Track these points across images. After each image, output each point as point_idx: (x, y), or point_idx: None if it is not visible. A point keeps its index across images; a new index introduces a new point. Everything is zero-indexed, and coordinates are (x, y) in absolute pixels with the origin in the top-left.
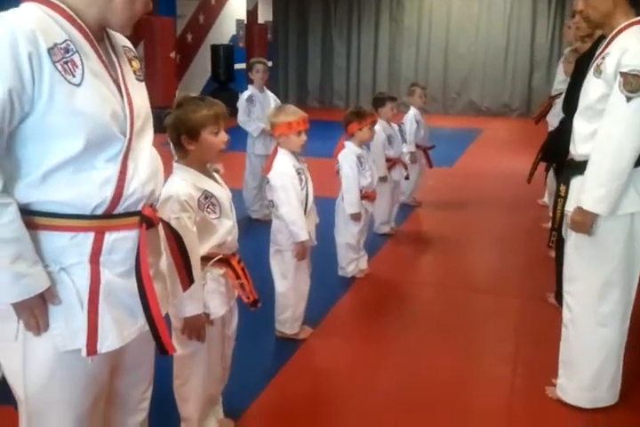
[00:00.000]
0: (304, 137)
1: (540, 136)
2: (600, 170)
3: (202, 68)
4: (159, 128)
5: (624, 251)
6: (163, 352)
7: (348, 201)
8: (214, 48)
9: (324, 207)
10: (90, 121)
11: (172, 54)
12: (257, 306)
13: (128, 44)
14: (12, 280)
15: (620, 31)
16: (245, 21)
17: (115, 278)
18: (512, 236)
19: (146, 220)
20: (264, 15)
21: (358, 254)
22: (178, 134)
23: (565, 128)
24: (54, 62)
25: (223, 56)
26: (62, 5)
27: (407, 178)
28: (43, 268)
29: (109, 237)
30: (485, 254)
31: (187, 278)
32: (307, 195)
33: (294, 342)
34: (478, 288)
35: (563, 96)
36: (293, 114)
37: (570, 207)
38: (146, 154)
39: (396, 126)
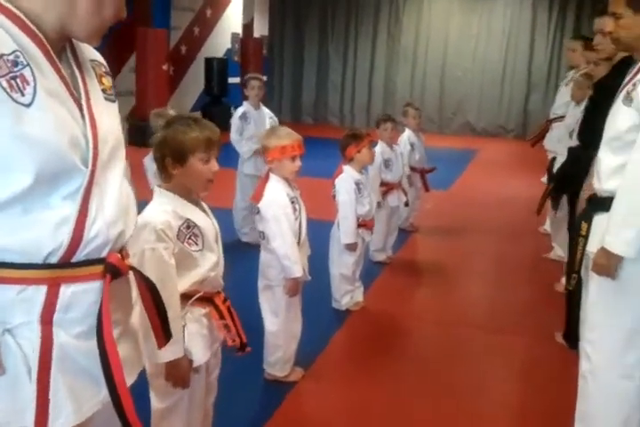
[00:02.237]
0: (298, 163)
1: (536, 159)
2: (629, 209)
3: (195, 81)
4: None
5: None
6: None
7: (344, 230)
8: (208, 61)
9: (317, 231)
10: (41, 149)
11: (165, 66)
12: (244, 351)
13: (99, 57)
14: None
15: None
16: (241, 35)
17: (71, 341)
18: (514, 267)
19: (111, 269)
20: (260, 29)
21: (353, 286)
22: (163, 155)
23: (580, 158)
24: None
25: (217, 70)
26: (12, 8)
27: (407, 205)
28: None
29: (66, 291)
30: (486, 288)
31: (162, 336)
32: (300, 226)
33: (284, 385)
34: (480, 325)
35: (566, 121)
36: (287, 137)
37: (592, 248)
38: (114, 189)
39: (406, 150)
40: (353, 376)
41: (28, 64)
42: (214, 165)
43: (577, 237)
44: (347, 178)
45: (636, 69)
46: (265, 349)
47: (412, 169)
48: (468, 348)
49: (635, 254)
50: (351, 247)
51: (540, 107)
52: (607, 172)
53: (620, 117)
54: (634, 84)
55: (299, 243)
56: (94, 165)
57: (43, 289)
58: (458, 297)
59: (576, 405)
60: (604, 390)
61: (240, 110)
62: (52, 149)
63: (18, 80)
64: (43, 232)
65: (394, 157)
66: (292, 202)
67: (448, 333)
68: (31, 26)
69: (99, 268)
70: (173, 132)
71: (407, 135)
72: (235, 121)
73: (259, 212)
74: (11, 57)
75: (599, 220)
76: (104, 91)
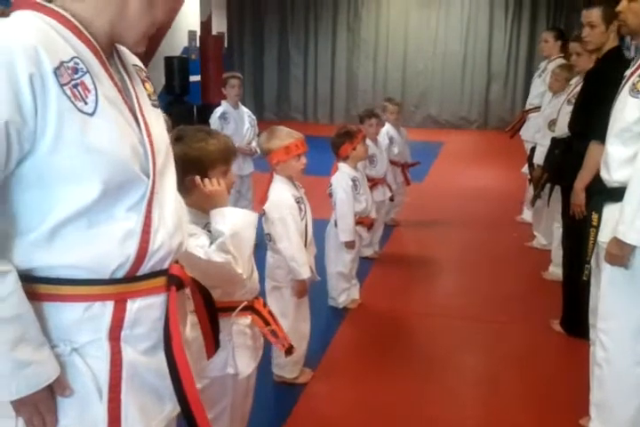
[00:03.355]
0: (304, 160)
1: (502, 149)
2: None
3: (155, 80)
4: None
5: None
6: None
7: (342, 228)
8: (168, 60)
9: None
10: (108, 160)
11: None
12: (292, 353)
13: (139, 62)
14: (13, 371)
15: None
16: (199, 33)
17: (138, 357)
18: (499, 257)
19: (175, 280)
20: (218, 26)
21: (350, 283)
22: (184, 173)
23: (571, 148)
24: (62, 85)
25: (177, 68)
26: (66, 14)
27: (392, 199)
28: (50, 351)
29: (132, 306)
30: (476, 278)
31: (212, 345)
32: (306, 226)
33: (294, 387)
34: (477, 316)
35: (545, 112)
36: (289, 136)
37: (604, 238)
38: (170, 198)
39: (384, 144)
40: (361, 374)
41: (88, 71)
42: (231, 176)
43: (589, 227)
44: (343, 176)
45: None
46: (273, 351)
47: (392, 163)
48: (469, 339)
49: None
50: (350, 245)
51: (500, 97)
52: (617, 163)
53: (628, 109)
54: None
55: (305, 243)
56: (154, 174)
57: (109, 305)
58: (450, 289)
59: (591, 392)
60: (619, 378)
61: (219, 110)
62: (117, 159)
63: (79, 88)
64: (109, 246)
65: (378, 152)
66: (298, 202)
67: (447, 325)
68: (85, 32)
69: (162, 280)
70: (190, 148)
71: (386, 129)
72: (214, 121)
73: (264, 213)
74: (70, 64)
75: (610, 210)
76: (149, 96)
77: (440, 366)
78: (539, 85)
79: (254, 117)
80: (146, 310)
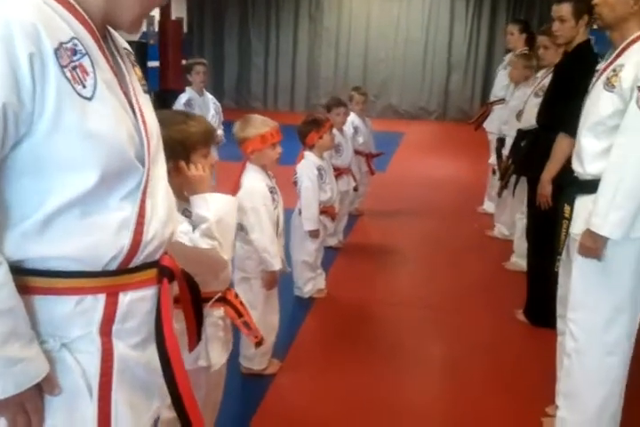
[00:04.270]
0: (279, 149)
1: (461, 140)
2: (617, 191)
3: None
4: None
5: (633, 275)
6: None
7: (307, 216)
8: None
9: None
10: (106, 146)
11: None
12: (262, 344)
13: (127, 46)
14: (2, 368)
15: (633, 41)
16: (158, 17)
17: (129, 352)
18: (461, 246)
19: (166, 272)
20: (177, 11)
21: (315, 273)
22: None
23: (539, 140)
24: (62, 67)
25: (136, 54)
26: None
27: (356, 189)
28: (39, 347)
29: (124, 299)
30: (440, 267)
31: (195, 337)
32: (278, 216)
33: (263, 378)
34: (441, 306)
35: (511, 103)
36: (264, 125)
37: (576, 229)
38: (162, 186)
39: (349, 133)
40: (328, 364)
41: (87, 53)
42: (211, 158)
43: (560, 219)
44: (308, 164)
45: (614, 55)
46: (241, 342)
47: (357, 153)
48: (434, 329)
49: (622, 236)
50: (314, 234)
51: (459, 88)
52: (591, 156)
53: (602, 103)
54: (614, 70)
55: (277, 234)
56: (149, 161)
57: (101, 298)
58: (414, 278)
59: (559, 382)
60: (588, 368)
61: (184, 97)
62: (115, 145)
63: (78, 71)
64: (103, 237)
65: (344, 141)
66: (271, 192)
67: (411, 315)
68: (81, 11)
69: (153, 272)
70: (172, 131)
71: (351, 119)
72: (179, 107)
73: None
74: (69, 45)
75: (582, 202)
76: (139, 81)
77: (406, 355)
78: (503, 78)
79: (219, 104)
80: (137, 303)
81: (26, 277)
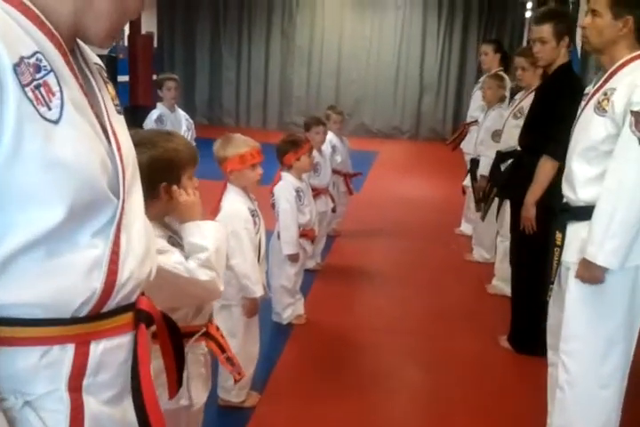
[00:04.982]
0: (260, 170)
1: (435, 160)
2: (612, 220)
3: None
4: None
5: (628, 305)
6: None
7: (286, 240)
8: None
9: None
10: (74, 177)
11: None
12: (240, 379)
13: (99, 61)
14: None
15: (623, 65)
16: (127, 31)
17: (102, 408)
18: (440, 270)
19: (143, 316)
20: (147, 25)
21: (294, 298)
22: (154, 181)
23: (522, 163)
24: (23, 86)
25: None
26: (25, 0)
27: (334, 211)
28: None
29: (96, 349)
30: (419, 292)
31: (175, 384)
32: (260, 241)
33: (242, 411)
34: (422, 331)
35: (486, 123)
36: (244, 145)
37: (568, 257)
38: (139, 219)
39: (327, 152)
40: (310, 394)
41: (52, 69)
42: (195, 180)
43: (552, 247)
44: (286, 185)
45: (604, 78)
46: (219, 373)
47: (335, 172)
48: (415, 355)
49: (618, 266)
50: (293, 258)
51: (432, 108)
52: (582, 181)
53: (593, 128)
54: (605, 94)
55: (259, 259)
56: (124, 192)
57: (70, 349)
58: (394, 302)
59: (551, 415)
60: (583, 401)
61: (155, 113)
62: (84, 175)
63: (42, 90)
64: (72, 279)
65: (322, 161)
66: (253, 215)
67: (392, 340)
68: (47, 22)
69: (129, 317)
70: (158, 152)
71: (329, 138)
72: (150, 124)
73: None
74: (32, 60)
75: (575, 229)
76: (111, 100)
77: (388, 384)
78: (478, 99)
79: (192, 121)
80: (111, 352)
81: None
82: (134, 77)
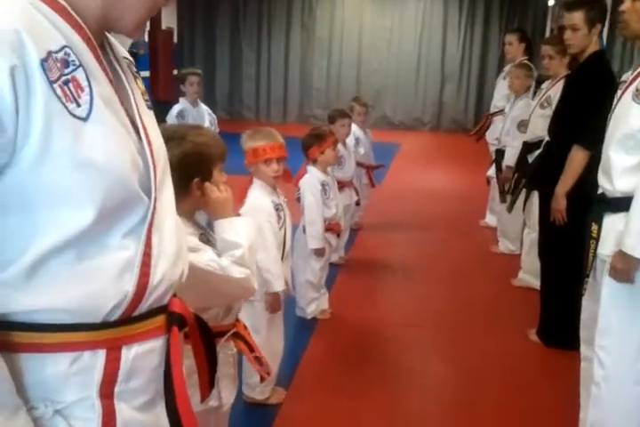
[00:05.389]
0: (275, 167)
1: (458, 151)
2: None
3: None
4: None
5: None
6: None
7: (312, 234)
8: None
9: None
10: (105, 176)
11: None
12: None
13: (128, 55)
14: None
15: None
16: (148, 27)
17: (134, 415)
18: (467, 263)
19: (176, 319)
20: (167, 20)
21: (319, 293)
22: (188, 177)
23: (551, 153)
24: (51, 82)
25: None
26: None
27: (358, 204)
28: (27, 417)
29: (128, 354)
30: (444, 285)
31: (208, 387)
32: (285, 236)
33: (267, 408)
34: (449, 326)
35: (513, 113)
36: (263, 138)
37: (605, 250)
38: (170, 219)
39: (351, 145)
40: (336, 390)
41: (81, 64)
42: (224, 174)
43: (587, 239)
44: (311, 179)
45: None
46: (244, 370)
47: (358, 164)
48: (442, 350)
49: None
50: (319, 253)
51: (454, 98)
52: (620, 171)
53: (632, 116)
54: None
55: (282, 255)
56: (156, 191)
57: (101, 355)
58: (419, 296)
59: (585, 411)
60: (618, 396)
61: (177, 108)
62: (115, 175)
63: (70, 86)
64: (103, 283)
65: (346, 154)
66: (277, 209)
67: (418, 335)
68: (74, 15)
69: (161, 319)
70: (190, 147)
71: (353, 129)
72: (171, 119)
73: None
74: (60, 55)
75: (611, 221)
76: (142, 95)
77: (415, 379)
78: (503, 88)
79: (215, 116)
80: (143, 357)
81: (9, 333)
82: (155, 73)
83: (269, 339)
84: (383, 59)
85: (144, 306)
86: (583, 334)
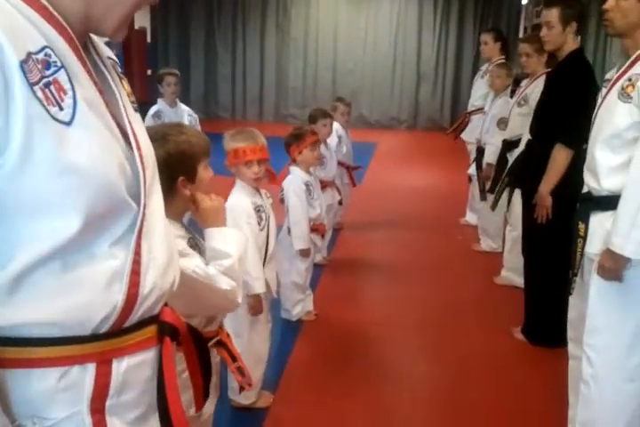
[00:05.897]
0: (255, 169)
1: (435, 150)
2: (638, 209)
3: None
4: None
5: None
6: None
7: (297, 235)
8: None
9: None
10: (90, 183)
11: None
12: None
13: (112, 55)
14: None
15: None
16: None
17: None
18: (450, 261)
19: (168, 329)
20: (141, 20)
21: (304, 294)
22: (173, 176)
23: (533, 152)
24: (31, 84)
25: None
26: None
27: (340, 203)
28: None
29: (119, 367)
30: (430, 284)
31: (202, 398)
32: (267, 238)
33: (256, 412)
34: (434, 324)
35: (492, 111)
36: (244, 140)
37: (592, 249)
38: (159, 224)
39: (333, 145)
40: (324, 393)
41: (63, 65)
42: (210, 170)
43: (574, 238)
44: (295, 180)
45: (628, 63)
46: (229, 373)
47: (339, 164)
48: (428, 349)
49: None
50: (305, 253)
51: (429, 97)
52: (607, 170)
53: (617, 114)
54: (629, 79)
55: (265, 257)
56: (145, 197)
57: (90, 369)
58: (403, 296)
59: (573, 409)
60: (608, 395)
61: (153, 109)
62: (101, 181)
63: (52, 88)
64: (91, 294)
65: (328, 154)
66: (258, 211)
67: (403, 335)
68: (56, 14)
69: (152, 330)
70: (173, 146)
71: (335, 128)
72: (148, 120)
73: None
74: (40, 55)
75: (598, 220)
76: (128, 97)
77: (402, 379)
78: (481, 87)
79: (196, 116)
80: (135, 370)
81: None
82: (129, 73)
83: (252, 342)
84: (359, 58)
85: (135, 317)
86: (571, 332)
